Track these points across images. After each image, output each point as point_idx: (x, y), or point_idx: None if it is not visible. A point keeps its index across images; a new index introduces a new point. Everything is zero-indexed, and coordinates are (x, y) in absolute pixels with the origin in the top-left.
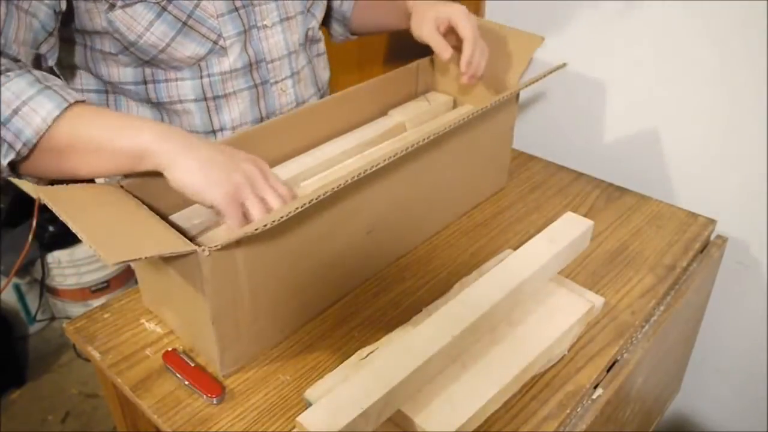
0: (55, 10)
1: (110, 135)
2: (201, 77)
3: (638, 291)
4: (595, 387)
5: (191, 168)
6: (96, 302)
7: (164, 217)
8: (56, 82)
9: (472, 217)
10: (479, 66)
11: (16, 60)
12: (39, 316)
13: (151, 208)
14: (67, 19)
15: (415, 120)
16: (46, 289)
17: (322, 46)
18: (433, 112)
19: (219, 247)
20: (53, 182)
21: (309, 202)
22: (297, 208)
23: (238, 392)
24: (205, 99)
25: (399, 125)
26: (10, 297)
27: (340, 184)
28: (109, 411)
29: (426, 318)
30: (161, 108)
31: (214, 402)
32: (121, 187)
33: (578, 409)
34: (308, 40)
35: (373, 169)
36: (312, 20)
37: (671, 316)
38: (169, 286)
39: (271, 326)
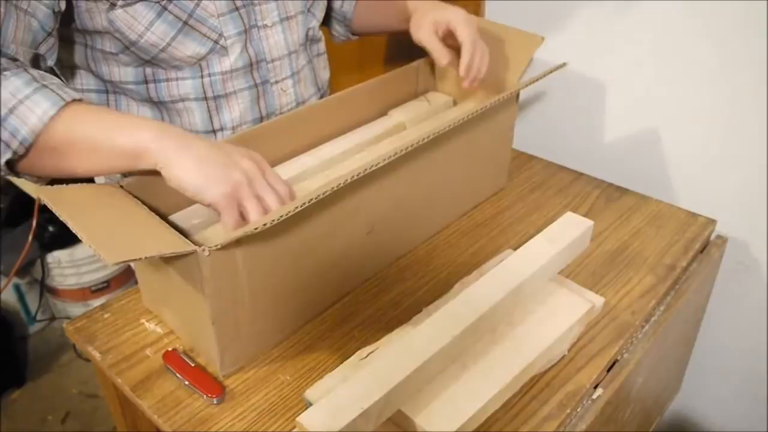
0: (53, 10)
1: (107, 134)
2: (201, 77)
3: (638, 291)
4: (595, 387)
5: (188, 167)
6: (96, 302)
7: (164, 217)
8: (53, 80)
9: (472, 217)
10: (480, 70)
11: (14, 59)
12: (39, 316)
13: (151, 208)
14: (67, 18)
15: (415, 120)
16: (46, 289)
17: (322, 46)
18: (433, 112)
19: (219, 246)
20: (53, 182)
21: (309, 202)
22: (297, 208)
23: (238, 392)
24: (206, 98)
25: (399, 125)
26: (10, 297)
27: (340, 184)
28: (109, 411)
29: (426, 318)
30: (162, 107)
31: (214, 402)
32: (121, 187)
33: (578, 409)
34: (308, 40)
35: (373, 168)
36: (312, 20)
37: (671, 316)
38: (169, 286)
39: (271, 326)
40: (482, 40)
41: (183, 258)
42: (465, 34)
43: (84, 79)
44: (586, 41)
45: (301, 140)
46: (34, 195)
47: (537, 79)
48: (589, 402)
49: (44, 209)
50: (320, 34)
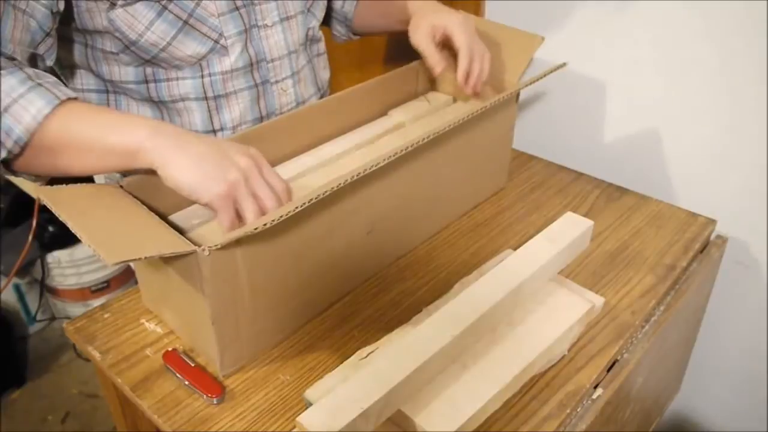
0: (52, 11)
1: (102, 132)
2: (202, 76)
3: (638, 291)
4: (595, 387)
5: (184, 166)
6: (96, 302)
7: (164, 217)
8: (48, 79)
9: (472, 217)
10: (480, 76)
11: (11, 59)
12: (39, 316)
13: (151, 208)
14: (66, 18)
15: (415, 120)
16: (46, 289)
17: (322, 46)
18: (433, 112)
19: (219, 246)
20: (53, 182)
21: (309, 202)
22: (297, 208)
23: (238, 392)
24: (206, 98)
25: (399, 125)
26: (10, 297)
27: (340, 184)
28: (109, 411)
29: (426, 318)
30: (162, 107)
31: (214, 402)
32: (121, 187)
33: (578, 409)
34: (308, 40)
35: (373, 168)
36: (312, 20)
37: (671, 316)
38: (169, 286)
39: (271, 326)
40: (482, 42)
41: (183, 258)
42: (462, 40)
43: (84, 79)
44: (586, 41)
45: (301, 140)
46: (33, 195)
47: (537, 79)
48: (589, 402)
49: (44, 209)
50: (320, 34)
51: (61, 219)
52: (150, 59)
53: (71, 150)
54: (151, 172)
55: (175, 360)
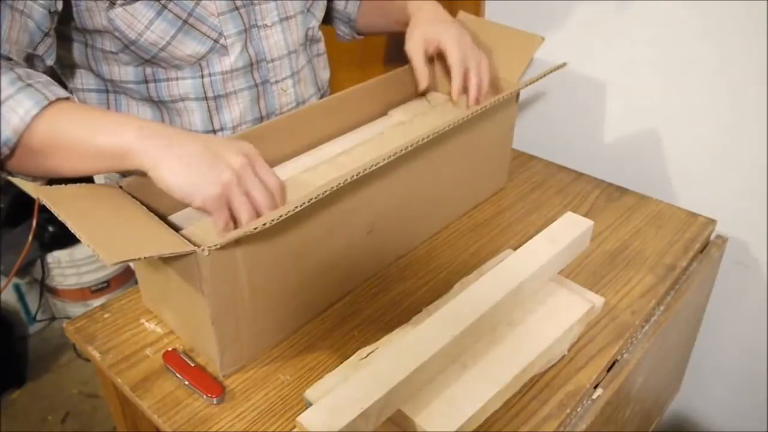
0: (50, 10)
1: (90, 133)
2: (202, 76)
3: (638, 291)
4: (595, 387)
5: (175, 168)
6: (96, 302)
7: (164, 217)
8: (40, 79)
9: (472, 217)
10: (480, 89)
11: (7, 59)
12: (39, 316)
13: (150, 208)
14: (66, 17)
15: (415, 120)
16: (46, 289)
17: (322, 46)
18: (433, 112)
19: (219, 246)
20: (52, 182)
21: (309, 202)
22: (296, 208)
23: (238, 392)
24: (206, 98)
25: (399, 125)
26: (10, 297)
27: (339, 183)
28: (109, 411)
29: (426, 318)
30: (162, 107)
31: (214, 402)
32: (120, 187)
33: (578, 409)
34: (308, 40)
35: (373, 168)
36: (312, 20)
37: (671, 316)
38: (168, 286)
39: (271, 326)
40: (479, 51)
41: (182, 258)
42: (454, 56)
43: (84, 79)
44: (585, 41)
45: (301, 140)
46: (33, 195)
47: (537, 79)
48: (589, 402)
49: (44, 209)
50: (320, 34)
51: (60, 219)
52: (150, 59)
53: (60, 151)
54: None
55: (175, 360)
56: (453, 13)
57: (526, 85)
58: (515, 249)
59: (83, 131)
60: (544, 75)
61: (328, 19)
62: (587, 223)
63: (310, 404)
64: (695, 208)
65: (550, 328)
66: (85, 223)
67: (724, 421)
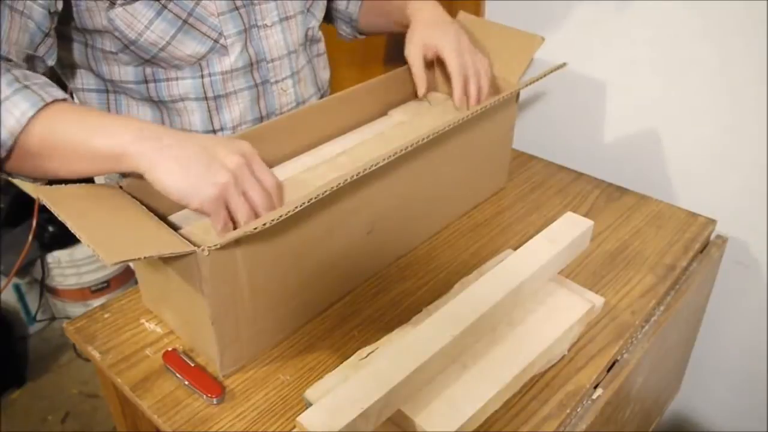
0: (50, 11)
1: (86, 135)
2: (201, 76)
3: (638, 291)
4: (595, 387)
5: (171, 170)
6: (96, 302)
7: (164, 218)
8: (37, 80)
9: (472, 217)
10: (480, 95)
11: (7, 60)
12: (39, 316)
13: (150, 208)
14: (66, 17)
15: (415, 120)
16: (46, 289)
17: (322, 46)
18: (433, 112)
19: (218, 246)
20: (52, 182)
21: (309, 202)
22: (296, 208)
23: (238, 392)
24: (206, 98)
25: (399, 125)
26: (10, 297)
27: (339, 183)
28: (109, 411)
29: (426, 318)
30: (162, 107)
31: (214, 402)
32: (120, 187)
33: (578, 409)
34: (308, 40)
35: (373, 168)
36: (312, 20)
37: (671, 316)
38: (168, 286)
39: (271, 326)
40: (478, 54)
41: (182, 258)
42: (453, 63)
43: (84, 79)
44: (585, 41)
45: (301, 140)
46: (33, 195)
47: (537, 79)
48: (589, 402)
49: (44, 209)
50: (320, 34)
51: (60, 219)
52: (150, 59)
53: (57, 153)
54: None
55: (175, 360)
56: (453, 13)
57: (526, 85)
58: (515, 249)
59: (79, 133)
60: (544, 75)
61: (330, 18)
62: (587, 223)
63: (310, 404)
64: (695, 208)
65: (550, 328)
66: (85, 223)
67: (724, 421)
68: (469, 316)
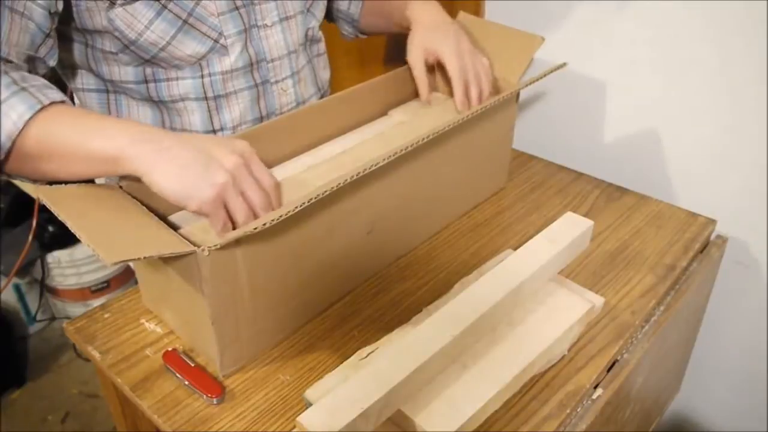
0: (50, 11)
1: (83, 138)
2: (201, 76)
3: (638, 291)
4: (595, 387)
5: (168, 173)
6: (96, 302)
7: (164, 218)
8: (35, 83)
9: (472, 217)
10: (481, 98)
11: (7, 61)
12: (39, 316)
13: (150, 208)
14: (66, 18)
15: (415, 120)
16: (46, 289)
17: (322, 46)
18: (433, 112)
19: (218, 246)
20: (52, 182)
21: (309, 202)
22: (296, 208)
23: (238, 392)
24: (206, 98)
25: (399, 125)
26: (10, 297)
27: (339, 183)
28: (109, 411)
29: (426, 318)
30: (162, 107)
31: (214, 402)
32: (121, 187)
33: (578, 409)
34: (308, 40)
35: (373, 168)
36: (312, 20)
37: (671, 316)
38: (168, 286)
39: (271, 326)
40: (478, 55)
41: (182, 258)
42: (453, 67)
43: (84, 79)
44: (586, 41)
45: (301, 140)
46: (33, 195)
47: (537, 79)
48: (589, 402)
49: (44, 209)
50: (320, 34)
51: (60, 219)
52: (150, 59)
53: (54, 156)
54: None
55: (175, 360)
56: (453, 13)
57: (526, 85)
58: (515, 249)
59: (76, 136)
60: (544, 75)
61: (332, 18)
62: (587, 223)
63: (310, 404)
64: (695, 208)
65: (550, 328)
66: (85, 223)
67: (724, 421)
68: (469, 316)
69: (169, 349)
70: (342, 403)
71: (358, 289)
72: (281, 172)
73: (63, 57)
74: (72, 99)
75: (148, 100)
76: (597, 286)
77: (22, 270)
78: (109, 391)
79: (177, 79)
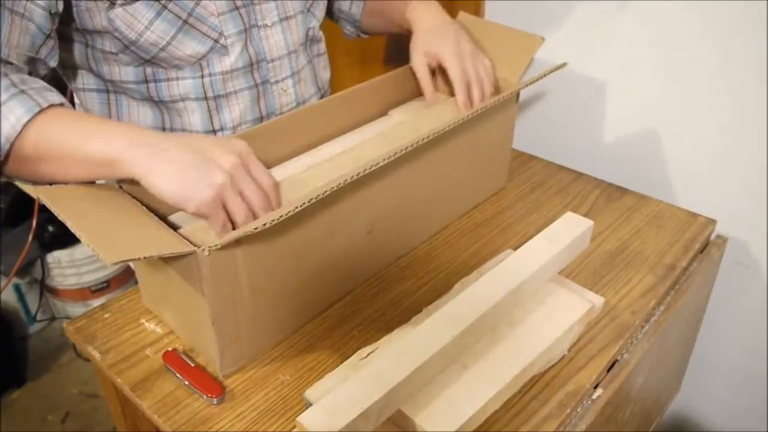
0: (50, 12)
1: (80, 141)
2: (202, 76)
3: (638, 291)
4: (595, 387)
5: (166, 175)
6: (96, 302)
7: (164, 218)
8: (34, 85)
9: (472, 217)
10: (483, 100)
11: (8, 63)
12: (39, 316)
13: (150, 208)
14: (66, 18)
15: (415, 120)
16: (46, 289)
17: (322, 46)
18: (433, 112)
19: (219, 246)
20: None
21: (309, 202)
22: (296, 208)
23: (238, 392)
24: (206, 98)
25: (399, 125)
26: (10, 297)
27: (339, 183)
28: (109, 411)
29: (426, 318)
30: (162, 107)
31: (214, 402)
32: (121, 187)
33: (578, 409)
34: (308, 40)
35: (373, 168)
36: (312, 20)
37: (671, 316)
38: (168, 286)
39: (271, 326)
40: (479, 56)
41: (182, 258)
42: (455, 71)
43: (85, 79)
44: (586, 41)
45: (301, 140)
46: (33, 195)
47: (537, 79)
48: (589, 402)
49: (44, 209)
50: (320, 34)
51: (60, 219)
52: (150, 59)
53: (52, 158)
54: None
55: (175, 360)
56: (453, 13)
57: (526, 85)
58: (515, 249)
59: (74, 139)
60: (544, 75)
61: (333, 18)
62: (587, 223)
63: (310, 404)
64: (695, 208)
65: (550, 328)
66: (85, 223)
67: (724, 421)
68: (469, 316)
69: (169, 349)
70: (342, 403)
71: (358, 289)
72: (281, 172)
73: (63, 57)
74: (72, 100)
75: (149, 100)
76: (597, 286)
77: (22, 270)
78: (109, 391)
79: (177, 79)
